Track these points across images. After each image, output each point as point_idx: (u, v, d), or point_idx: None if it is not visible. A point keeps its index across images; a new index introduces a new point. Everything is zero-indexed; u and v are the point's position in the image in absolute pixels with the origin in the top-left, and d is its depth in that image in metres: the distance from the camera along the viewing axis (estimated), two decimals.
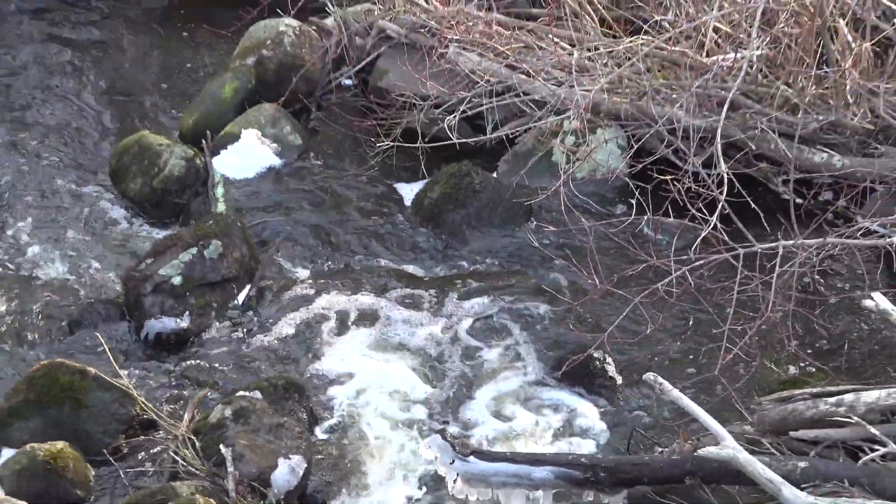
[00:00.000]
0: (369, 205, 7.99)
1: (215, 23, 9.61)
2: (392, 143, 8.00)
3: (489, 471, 5.29)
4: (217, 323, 6.95)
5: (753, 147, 7.33)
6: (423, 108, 8.09)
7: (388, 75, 8.65)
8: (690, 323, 6.87)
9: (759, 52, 7.15)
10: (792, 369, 6.45)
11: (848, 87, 7.13)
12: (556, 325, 6.88)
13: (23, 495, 5.55)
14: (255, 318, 7.01)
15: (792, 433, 5.42)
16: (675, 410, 6.06)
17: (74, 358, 6.37)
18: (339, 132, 8.63)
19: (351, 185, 8.18)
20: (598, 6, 8.08)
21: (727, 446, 5.01)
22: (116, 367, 6.14)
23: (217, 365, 6.66)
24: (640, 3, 8.09)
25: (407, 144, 7.98)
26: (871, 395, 5.24)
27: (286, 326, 6.93)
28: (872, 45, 7.23)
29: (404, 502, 5.87)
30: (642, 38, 7.40)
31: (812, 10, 7.13)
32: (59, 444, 5.80)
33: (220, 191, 7.92)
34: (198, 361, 6.70)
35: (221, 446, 5.66)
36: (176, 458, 5.72)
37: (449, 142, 7.78)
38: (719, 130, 6.53)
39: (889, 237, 6.30)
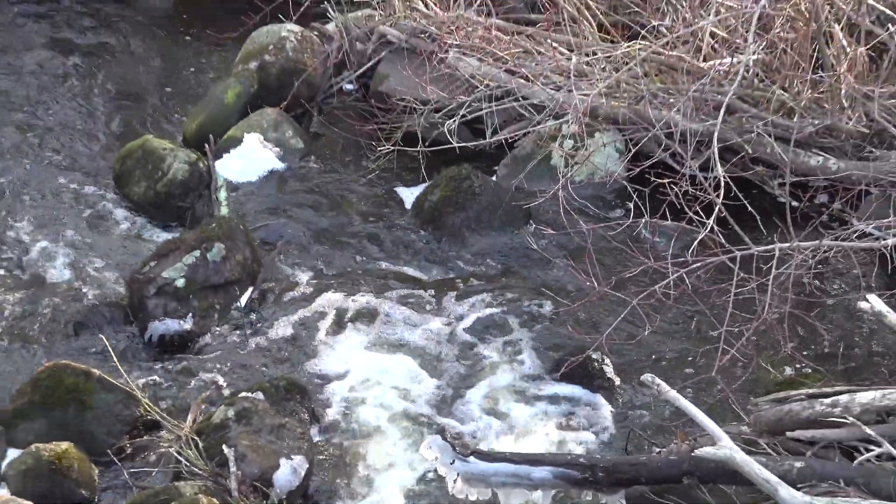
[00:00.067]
0: (370, 208, 8.01)
1: (218, 28, 9.63)
2: (393, 147, 8.02)
3: (489, 471, 5.32)
4: (220, 325, 6.98)
5: (750, 150, 7.36)
6: (423, 112, 8.11)
7: (389, 80, 8.66)
8: (688, 324, 6.90)
9: (755, 57, 7.15)
10: (788, 370, 6.47)
11: (843, 92, 7.13)
12: (554, 327, 6.91)
13: (28, 495, 5.56)
14: (258, 320, 7.03)
15: (788, 433, 5.43)
16: (672, 411, 6.07)
17: (79, 360, 6.38)
18: (341, 136, 8.64)
19: (352, 188, 8.20)
20: (597, 11, 8.09)
21: (724, 446, 5.01)
22: (120, 369, 6.15)
23: (220, 366, 6.68)
24: (637, 9, 8.12)
25: (407, 148, 8.01)
26: (866, 396, 5.26)
27: (288, 328, 6.96)
28: (867, 49, 7.24)
29: (405, 502, 5.89)
30: (640, 43, 7.43)
31: (808, 16, 7.16)
32: (64, 445, 5.81)
33: (223, 194, 7.92)
34: (200, 363, 6.71)
35: (224, 447, 5.69)
36: (179, 458, 5.74)
37: (449, 146, 7.80)
38: (716, 134, 6.53)
39: (884, 239, 6.34)
